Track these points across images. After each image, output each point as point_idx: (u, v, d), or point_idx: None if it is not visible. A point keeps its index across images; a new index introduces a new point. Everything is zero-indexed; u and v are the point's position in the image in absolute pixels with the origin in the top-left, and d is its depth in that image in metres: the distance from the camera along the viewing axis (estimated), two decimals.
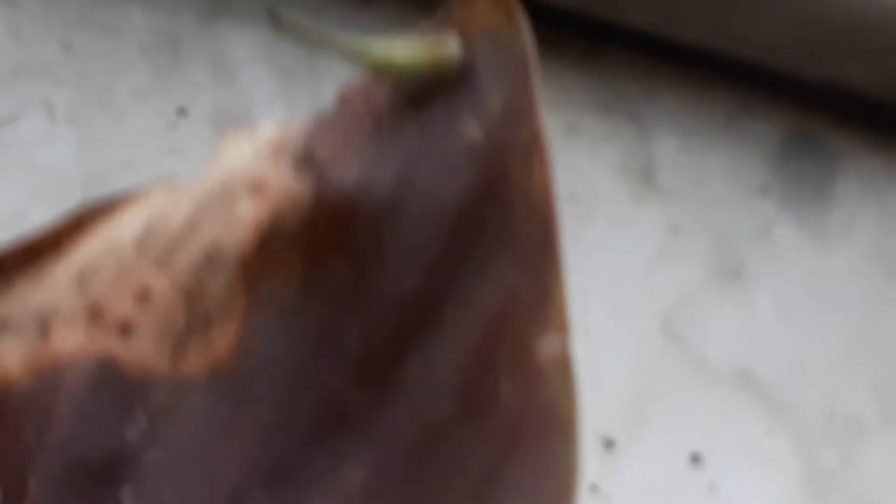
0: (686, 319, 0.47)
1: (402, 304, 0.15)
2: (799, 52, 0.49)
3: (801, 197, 0.50)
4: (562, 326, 0.16)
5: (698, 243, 0.48)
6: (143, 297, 0.16)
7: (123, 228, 0.17)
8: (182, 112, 0.40)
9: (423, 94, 0.16)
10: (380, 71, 0.17)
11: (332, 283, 0.16)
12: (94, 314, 0.16)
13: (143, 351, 0.16)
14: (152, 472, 0.16)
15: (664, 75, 0.48)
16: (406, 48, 0.16)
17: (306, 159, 0.16)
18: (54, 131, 0.38)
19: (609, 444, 0.42)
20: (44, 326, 0.17)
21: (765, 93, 0.50)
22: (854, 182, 0.51)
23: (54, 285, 0.17)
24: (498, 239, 0.16)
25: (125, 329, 0.16)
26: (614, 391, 0.45)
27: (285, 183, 0.16)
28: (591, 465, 0.42)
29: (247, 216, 0.16)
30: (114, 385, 0.16)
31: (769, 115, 0.50)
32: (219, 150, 0.17)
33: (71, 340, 0.16)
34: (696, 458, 0.44)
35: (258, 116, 0.42)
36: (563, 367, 0.15)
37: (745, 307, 0.48)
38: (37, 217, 0.38)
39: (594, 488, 0.41)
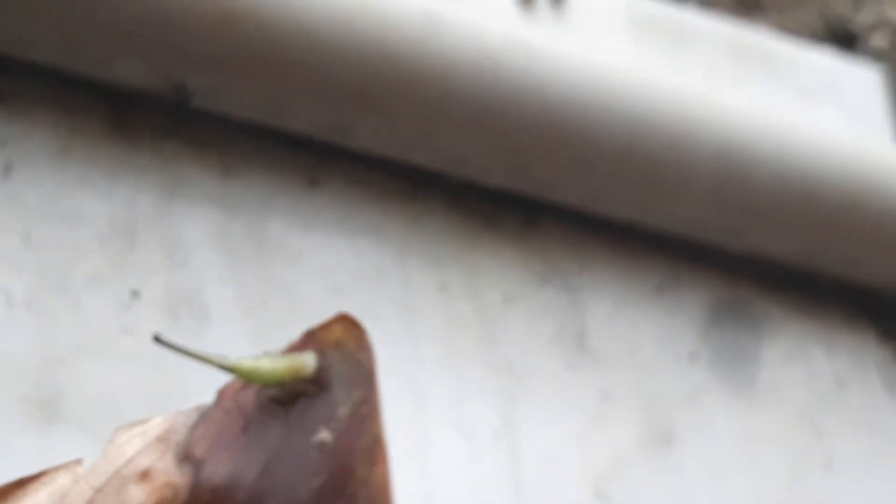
0: (618, 483, 0.49)
1: None
2: (723, 225, 0.52)
3: (729, 362, 0.52)
4: None
5: (630, 409, 0.50)
6: None
7: None
8: (135, 295, 0.43)
9: (286, 399, 0.20)
10: (249, 379, 0.20)
11: None
12: None
13: None
14: None
15: (596, 249, 0.51)
16: (271, 362, 0.20)
17: (187, 454, 0.20)
18: (11, 317, 0.41)
19: None
20: None
21: (692, 264, 0.53)
22: (780, 347, 0.53)
23: None
24: None
25: None
26: None
27: (169, 474, 0.19)
28: None
29: (135, 502, 0.19)
30: None
31: (697, 284, 0.53)
32: (115, 439, 0.20)
33: None
34: None
35: (209, 297, 0.45)
36: None
37: (676, 470, 0.50)
38: None
39: None
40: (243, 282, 0.46)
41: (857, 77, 0.55)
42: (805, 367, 0.54)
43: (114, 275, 0.43)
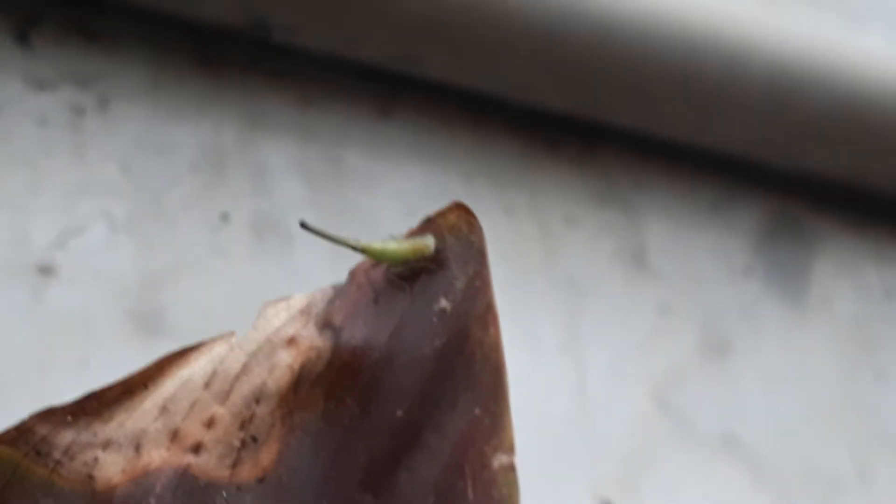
0: (677, 391, 0.52)
1: (395, 429, 0.22)
2: (777, 144, 0.55)
3: (782, 276, 0.55)
4: (510, 445, 0.22)
5: (687, 321, 0.53)
6: (210, 423, 0.23)
7: (195, 371, 0.23)
8: (225, 218, 0.46)
9: (410, 275, 0.23)
10: (378, 259, 0.23)
11: (344, 414, 0.22)
12: (174, 436, 0.23)
13: (210, 464, 0.23)
14: None
15: (653, 169, 0.54)
16: (396, 244, 0.23)
17: (326, 323, 0.23)
18: (114, 240, 0.44)
19: None
20: (137, 445, 0.23)
21: (746, 182, 0.55)
22: (832, 262, 0.56)
23: (144, 414, 0.23)
24: (463, 381, 0.22)
25: (196, 448, 0.23)
26: (611, 455, 0.50)
27: (312, 339, 0.23)
28: None
29: (284, 364, 0.23)
30: (189, 490, 0.22)
31: (751, 202, 0.55)
32: (264, 312, 0.24)
33: (157, 456, 0.23)
34: None
35: (291, 220, 0.48)
36: (511, 475, 0.22)
37: (731, 378, 0.53)
38: (99, 317, 0.44)
39: None
40: (322, 205, 0.49)
41: None
42: (855, 281, 0.56)
43: (205, 200, 0.46)
